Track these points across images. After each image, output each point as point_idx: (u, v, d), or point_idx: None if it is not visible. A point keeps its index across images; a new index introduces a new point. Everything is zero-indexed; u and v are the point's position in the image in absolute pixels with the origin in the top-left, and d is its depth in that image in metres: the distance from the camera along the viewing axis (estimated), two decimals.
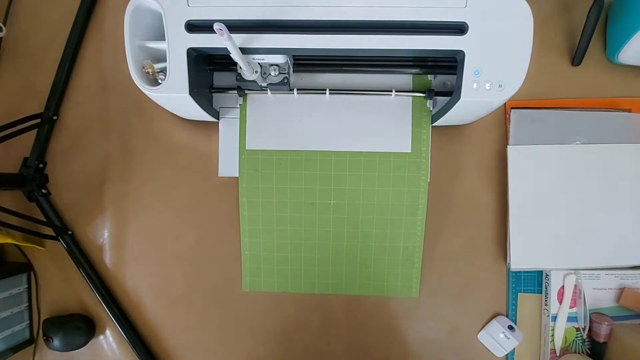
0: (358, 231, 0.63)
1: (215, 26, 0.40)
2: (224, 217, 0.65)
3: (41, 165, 0.66)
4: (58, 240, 0.66)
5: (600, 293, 0.60)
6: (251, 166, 0.62)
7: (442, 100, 0.60)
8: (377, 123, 0.61)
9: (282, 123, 0.62)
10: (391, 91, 0.59)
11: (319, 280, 0.65)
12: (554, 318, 0.60)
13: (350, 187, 0.62)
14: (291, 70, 0.56)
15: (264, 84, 0.56)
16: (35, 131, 0.65)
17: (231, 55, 0.48)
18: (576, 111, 0.62)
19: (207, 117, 0.61)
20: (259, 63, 0.54)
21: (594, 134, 0.61)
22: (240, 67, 0.52)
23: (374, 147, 0.61)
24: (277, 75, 0.55)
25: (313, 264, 0.64)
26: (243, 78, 0.54)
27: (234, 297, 0.66)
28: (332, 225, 0.63)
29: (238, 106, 0.63)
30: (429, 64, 0.58)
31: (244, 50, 0.49)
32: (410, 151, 0.61)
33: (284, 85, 0.56)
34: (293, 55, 0.55)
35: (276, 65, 0.54)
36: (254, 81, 0.55)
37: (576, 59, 0.62)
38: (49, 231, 0.66)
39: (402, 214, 0.62)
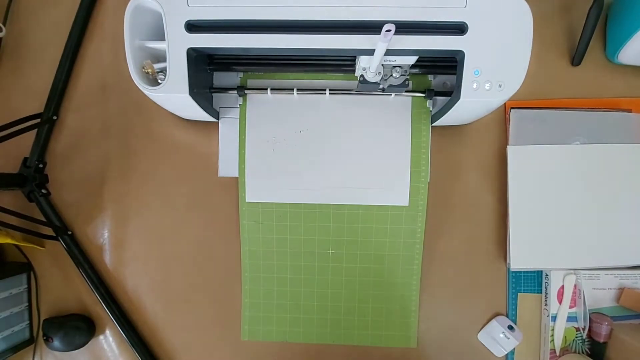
0: (356, 279, 0.64)
1: (387, 26, 0.39)
2: (224, 217, 0.65)
3: (41, 165, 0.66)
4: (58, 240, 0.66)
5: (600, 293, 0.60)
6: (252, 218, 0.63)
7: (442, 100, 0.60)
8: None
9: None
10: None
11: (318, 330, 0.65)
12: (554, 318, 0.60)
13: (348, 238, 0.63)
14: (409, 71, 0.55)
15: (385, 86, 0.55)
16: (35, 131, 0.65)
17: (374, 55, 0.47)
18: (576, 111, 0.62)
19: (207, 117, 0.61)
20: (382, 65, 0.53)
21: (594, 134, 0.61)
22: (364, 69, 0.51)
23: (372, 201, 0.62)
24: (399, 77, 0.54)
25: (312, 312, 0.65)
26: (365, 80, 0.53)
27: (234, 297, 0.66)
28: (330, 273, 0.64)
29: (238, 106, 0.63)
30: (429, 63, 0.58)
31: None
32: (407, 205, 0.61)
33: (403, 87, 0.55)
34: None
35: (399, 66, 0.53)
36: (375, 83, 0.54)
37: (576, 59, 0.62)
38: (48, 231, 0.66)
39: (398, 263, 0.63)
